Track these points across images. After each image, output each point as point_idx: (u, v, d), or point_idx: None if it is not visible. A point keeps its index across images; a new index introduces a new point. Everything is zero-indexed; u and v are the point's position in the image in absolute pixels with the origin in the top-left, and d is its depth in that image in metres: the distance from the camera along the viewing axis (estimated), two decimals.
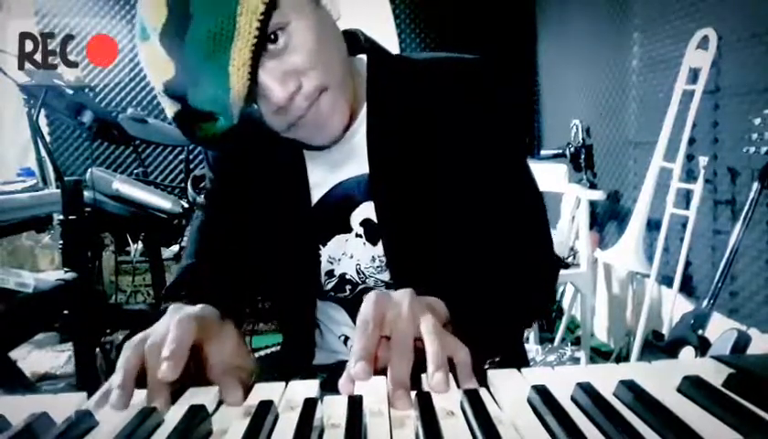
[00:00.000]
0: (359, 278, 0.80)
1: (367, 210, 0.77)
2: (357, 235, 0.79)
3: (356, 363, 0.47)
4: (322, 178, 0.79)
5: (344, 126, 0.71)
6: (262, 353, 1.42)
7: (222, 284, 0.79)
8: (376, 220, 0.77)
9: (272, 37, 0.62)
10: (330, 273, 0.81)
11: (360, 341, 0.49)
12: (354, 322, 0.83)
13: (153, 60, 0.64)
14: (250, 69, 0.59)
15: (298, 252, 0.81)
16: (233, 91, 0.60)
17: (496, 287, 0.70)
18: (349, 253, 0.80)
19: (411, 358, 0.47)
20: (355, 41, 0.78)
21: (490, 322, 0.65)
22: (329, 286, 0.82)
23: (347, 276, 0.81)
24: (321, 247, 0.80)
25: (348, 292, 0.81)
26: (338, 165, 0.78)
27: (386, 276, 0.78)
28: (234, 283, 0.81)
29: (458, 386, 0.46)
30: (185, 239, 2.40)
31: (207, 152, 0.88)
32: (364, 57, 0.79)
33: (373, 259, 0.78)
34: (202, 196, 2.36)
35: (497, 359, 0.65)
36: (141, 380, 0.50)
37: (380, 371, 0.48)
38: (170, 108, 0.68)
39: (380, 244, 0.77)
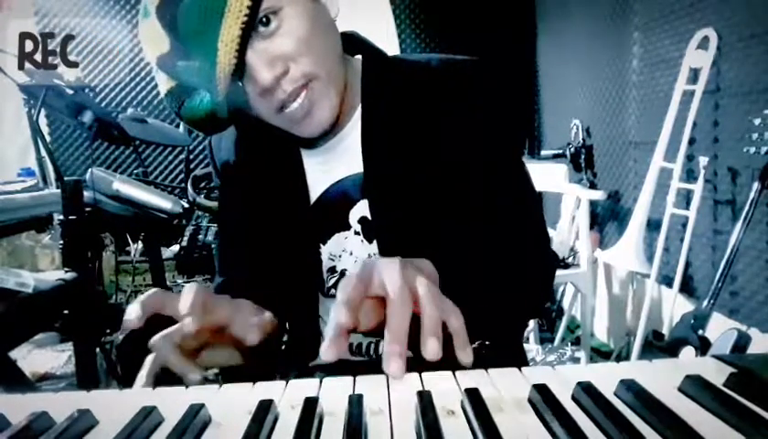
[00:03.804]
0: None
1: (364, 208, 0.78)
2: (356, 232, 0.79)
3: (337, 309, 0.46)
4: (319, 177, 0.80)
5: (331, 120, 0.71)
6: None
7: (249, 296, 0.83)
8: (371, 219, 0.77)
9: (264, 20, 0.63)
10: (332, 270, 0.82)
11: (342, 294, 0.48)
12: None
13: (150, 36, 0.65)
14: (238, 46, 0.61)
15: (299, 250, 0.82)
16: (220, 67, 0.62)
17: (490, 284, 0.70)
18: (349, 250, 0.80)
19: (409, 313, 0.47)
20: (352, 42, 0.79)
21: (482, 317, 0.65)
22: (331, 282, 0.83)
23: (347, 273, 0.81)
24: (321, 245, 0.81)
25: None
26: (335, 164, 0.79)
27: None
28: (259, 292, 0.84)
29: (453, 355, 0.46)
30: (184, 239, 2.40)
31: (214, 161, 0.89)
32: (360, 57, 0.80)
33: (369, 256, 0.79)
34: (202, 196, 2.37)
35: (487, 343, 0.65)
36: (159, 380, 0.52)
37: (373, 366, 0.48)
38: (164, 84, 0.69)
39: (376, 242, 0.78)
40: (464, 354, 0.47)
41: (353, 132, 0.77)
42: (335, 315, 0.46)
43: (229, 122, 0.73)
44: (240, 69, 0.64)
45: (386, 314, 0.47)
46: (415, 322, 0.47)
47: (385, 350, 0.44)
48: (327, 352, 0.46)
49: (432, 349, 0.44)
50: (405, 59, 0.81)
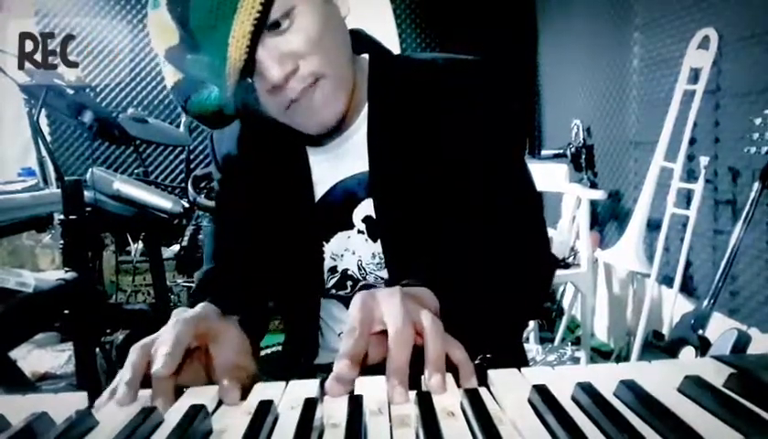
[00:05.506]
0: (360, 274, 0.81)
1: (368, 207, 0.78)
2: (360, 231, 0.79)
3: (339, 362, 0.46)
4: (325, 175, 0.80)
5: (337, 118, 0.71)
6: (263, 353, 1.42)
7: (235, 284, 0.81)
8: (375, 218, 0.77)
9: (277, 22, 0.63)
10: (333, 270, 0.82)
11: (346, 345, 0.48)
12: None
13: (159, 27, 0.65)
14: (249, 42, 0.60)
15: (302, 248, 0.82)
16: (230, 62, 0.61)
17: (492, 284, 0.70)
18: (351, 249, 0.80)
19: (410, 349, 0.47)
20: (358, 40, 0.79)
21: (484, 317, 0.66)
22: (331, 283, 0.83)
23: (349, 272, 0.81)
24: (324, 243, 0.81)
25: (349, 288, 0.82)
26: (341, 163, 0.79)
27: (385, 273, 0.79)
28: (247, 281, 0.83)
29: (458, 386, 0.46)
30: (185, 239, 2.40)
31: (214, 153, 0.89)
32: (367, 56, 0.80)
33: (373, 255, 0.79)
34: (202, 196, 2.37)
35: (489, 356, 0.65)
36: (146, 380, 0.51)
37: (370, 368, 0.48)
38: (171, 76, 0.69)
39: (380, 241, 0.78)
40: (469, 384, 0.47)
41: (359, 130, 0.77)
42: (338, 368, 0.46)
43: (236, 117, 0.73)
44: (250, 66, 0.63)
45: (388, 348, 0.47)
46: (415, 351, 0.47)
47: (388, 385, 0.45)
48: (333, 390, 0.46)
49: (436, 384, 0.45)
50: (411, 58, 0.81)
